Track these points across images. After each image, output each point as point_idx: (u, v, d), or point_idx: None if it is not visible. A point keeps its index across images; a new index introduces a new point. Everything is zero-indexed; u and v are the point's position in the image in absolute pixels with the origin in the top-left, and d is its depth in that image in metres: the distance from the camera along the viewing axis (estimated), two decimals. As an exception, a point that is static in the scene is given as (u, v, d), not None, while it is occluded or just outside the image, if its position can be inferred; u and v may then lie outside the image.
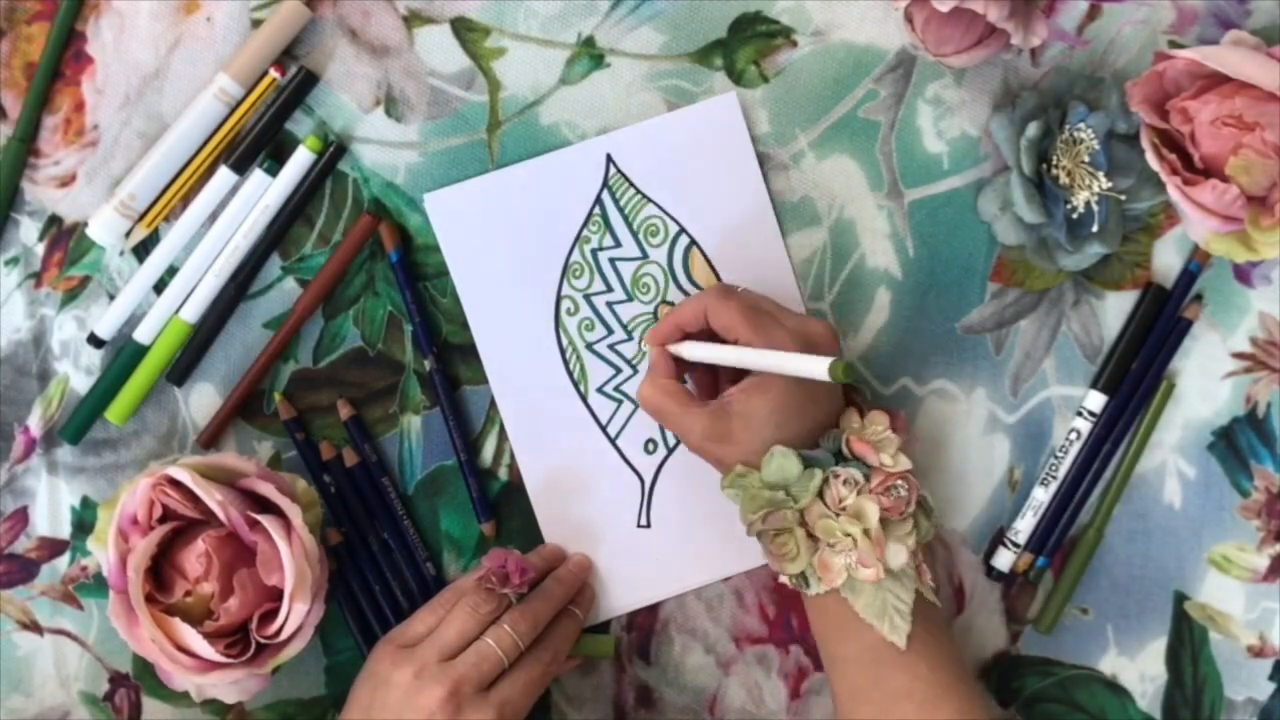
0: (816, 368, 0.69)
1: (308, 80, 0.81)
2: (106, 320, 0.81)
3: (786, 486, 0.74)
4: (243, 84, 0.80)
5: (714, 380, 0.80)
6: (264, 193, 0.81)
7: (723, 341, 0.76)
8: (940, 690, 0.74)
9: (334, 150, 0.81)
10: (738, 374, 0.76)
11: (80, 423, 0.82)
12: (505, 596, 0.77)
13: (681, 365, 0.78)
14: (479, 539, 0.83)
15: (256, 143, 0.81)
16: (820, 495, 0.73)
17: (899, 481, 0.74)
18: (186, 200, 0.81)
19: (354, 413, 0.82)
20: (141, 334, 0.81)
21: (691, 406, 0.76)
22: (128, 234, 0.81)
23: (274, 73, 0.80)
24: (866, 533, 0.73)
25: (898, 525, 0.74)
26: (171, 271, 0.82)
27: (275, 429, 0.83)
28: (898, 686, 0.73)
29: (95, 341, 0.81)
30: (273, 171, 0.81)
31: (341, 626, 0.83)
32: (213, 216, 0.82)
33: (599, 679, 0.84)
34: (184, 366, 0.82)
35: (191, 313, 0.81)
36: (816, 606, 0.76)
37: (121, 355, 0.81)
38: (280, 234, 0.82)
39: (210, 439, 0.82)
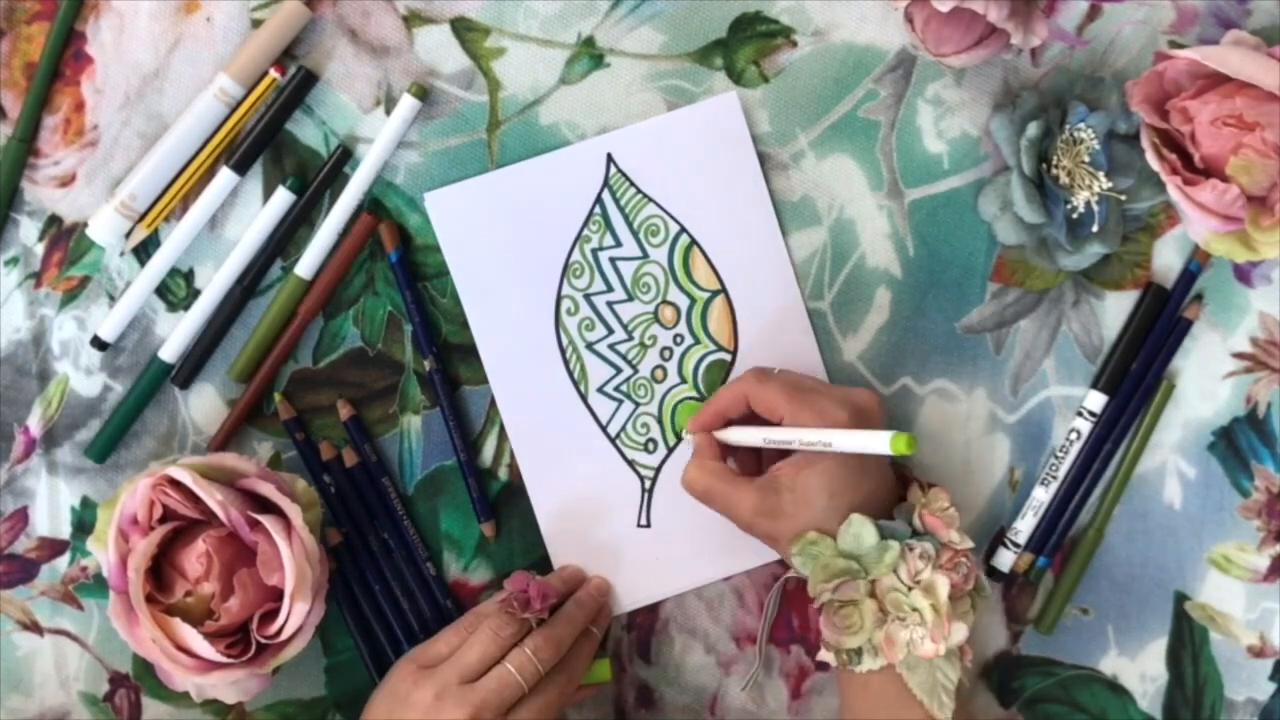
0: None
1: (308, 80, 0.81)
2: (110, 323, 0.81)
3: (859, 556, 0.74)
4: (243, 84, 0.80)
5: (757, 462, 0.80)
6: (289, 209, 0.81)
7: (765, 423, 0.76)
8: None
9: (339, 154, 0.81)
10: (780, 453, 0.76)
11: (106, 441, 0.82)
12: (526, 620, 0.77)
13: (724, 448, 0.78)
14: (479, 539, 0.83)
15: (257, 143, 0.81)
16: (893, 568, 0.74)
17: (963, 559, 0.75)
18: (187, 201, 0.81)
19: (354, 413, 0.82)
20: (166, 353, 0.81)
21: (739, 484, 0.76)
22: (128, 234, 0.81)
23: (274, 73, 0.80)
24: (935, 608, 0.73)
25: (958, 603, 0.75)
26: (173, 274, 0.82)
27: (275, 429, 0.83)
28: None
29: (98, 344, 0.81)
30: (295, 188, 0.81)
31: (341, 626, 0.83)
32: (214, 220, 0.82)
33: (600, 686, 0.83)
34: (190, 368, 0.82)
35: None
36: (857, 682, 0.76)
37: (146, 374, 0.81)
38: (287, 236, 0.81)
39: (221, 444, 0.82)
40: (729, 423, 0.78)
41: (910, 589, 0.73)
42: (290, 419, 0.82)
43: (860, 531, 0.74)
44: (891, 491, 0.78)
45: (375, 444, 0.83)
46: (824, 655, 0.75)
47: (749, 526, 0.76)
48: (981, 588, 0.77)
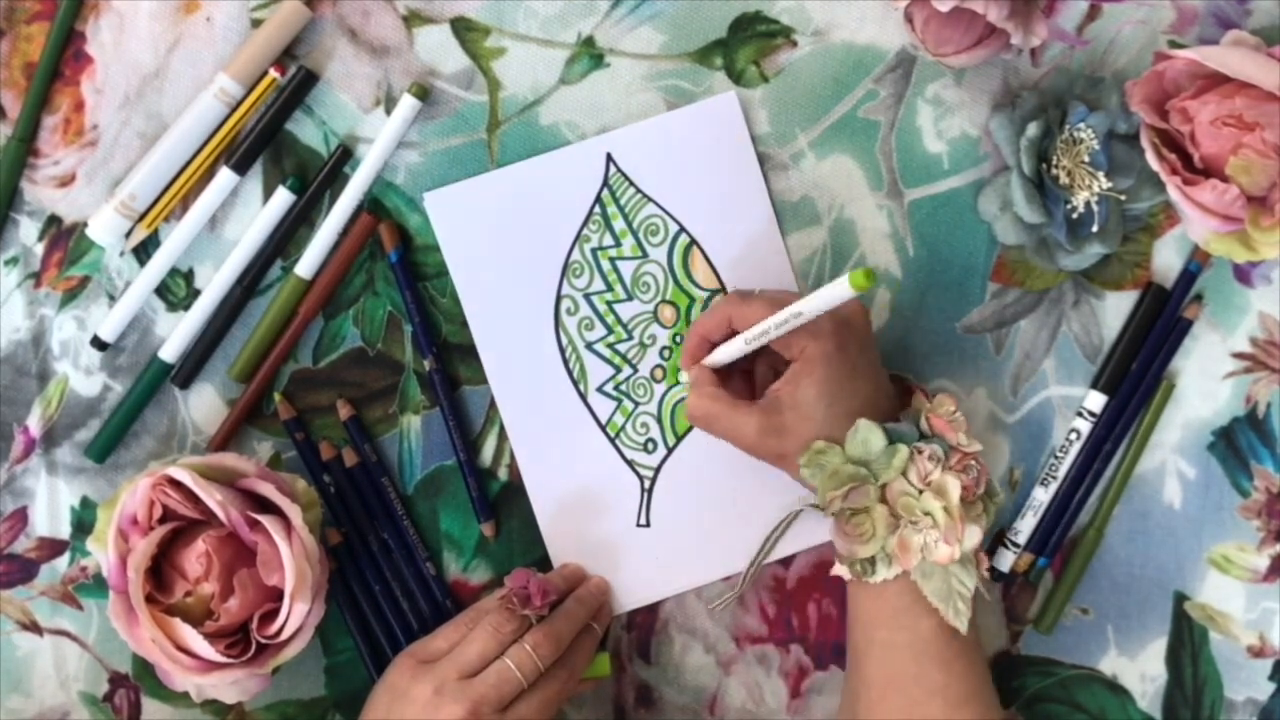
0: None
1: (308, 80, 0.81)
2: (110, 323, 0.81)
3: (869, 462, 0.74)
4: (243, 84, 0.80)
5: (751, 390, 0.80)
6: (290, 208, 0.81)
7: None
8: (969, 691, 0.74)
9: (340, 154, 0.81)
10: (774, 379, 0.77)
11: (106, 441, 0.82)
12: (526, 617, 0.77)
13: (721, 377, 0.78)
14: (479, 539, 0.83)
15: (257, 143, 0.81)
16: (903, 472, 0.74)
17: (973, 462, 0.75)
18: (186, 201, 0.81)
19: (354, 413, 0.82)
20: (166, 353, 0.81)
21: (740, 408, 0.76)
22: (128, 234, 0.81)
23: (274, 73, 0.80)
24: (947, 510, 0.73)
25: (971, 506, 0.74)
26: (173, 274, 0.82)
27: (275, 429, 0.83)
28: (935, 681, 0.74)
29: (98, 344, 0.81)
30: (295, 189, 0.81)
31: (341, 626, 0.83)
32: (214, 220, 0.82)
33: (600, 681, 0.83)
34: (190, 368, 0.82)
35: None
36: (871, 593, 0.75)
37: (146, 374, 0.81)
38: (287, 236, 0.81)
39: (221, 443, 0.82)
40: (714, 347, 0.78)
41: (921, 492, 0.73)
42: (290, 419, 0.82)
43: (868, 436, 0.74)
44: (890, 397, 0.78)
45: (375, 444, 0.83)
46: (838, 569, 0.75)
47: (754, 448, 0.76)
48: (994, 491, 0.76)
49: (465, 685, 0.74)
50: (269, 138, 0.81)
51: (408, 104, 0.80)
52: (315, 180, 0.81)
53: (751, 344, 0.76)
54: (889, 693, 0.75)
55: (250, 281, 0.82)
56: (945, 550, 0.72)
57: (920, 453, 0.74)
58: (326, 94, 0.82)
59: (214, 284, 0.81)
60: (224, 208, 0.82)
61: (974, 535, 0.73)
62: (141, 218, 0.81)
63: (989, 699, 0.75)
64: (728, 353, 0.77)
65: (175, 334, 0.81)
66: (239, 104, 0.81)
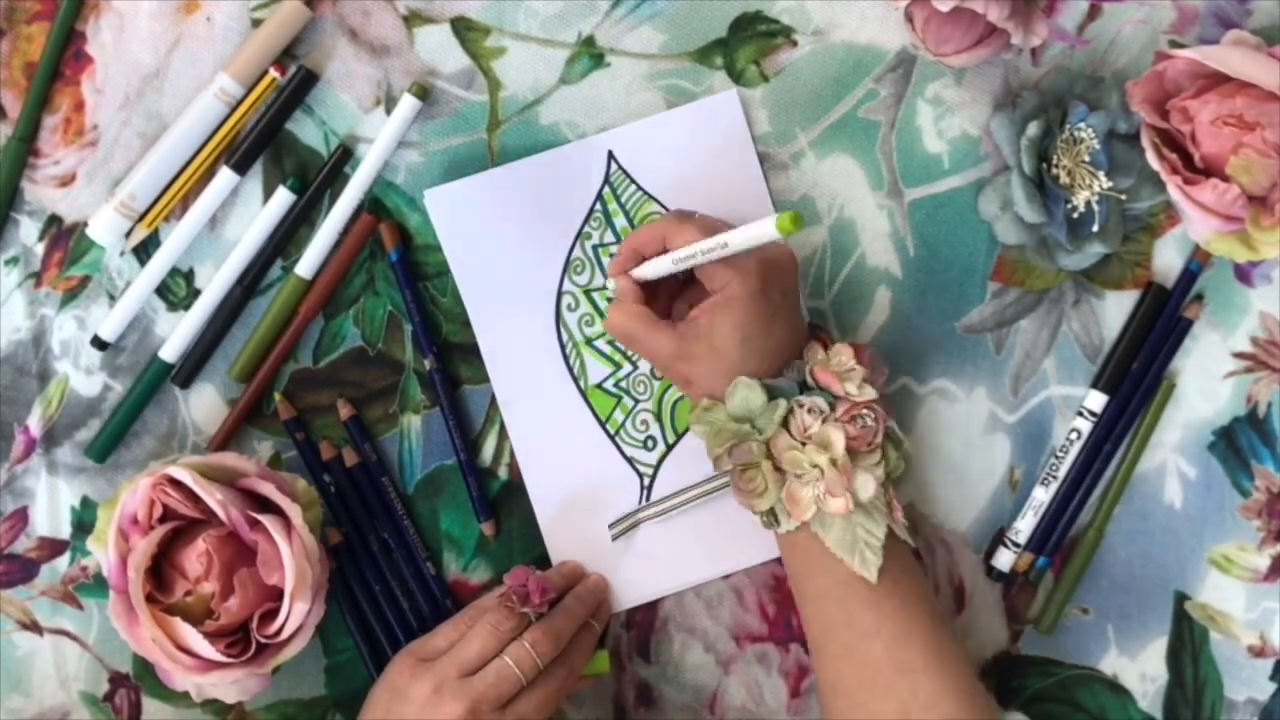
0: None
1: (308, 80, 0.81)
2: (110, 323, 0.81)
3: (752, 419, 0.74)
4: (243, 83, 0.80)
5: (669, 316, 0.80)
6: (290, 208, 0.81)
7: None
8: (909, 628, 0.74)
9: (340, 154, 0.81)
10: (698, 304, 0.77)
11: (106, 441, 0.82)
12: (525, 615, 0.77)
13: (646, 291, 0.78)
14: (479, 538, 0.83)
15: (257, 142, 0.81)
16: (785, 426, 0.74)
17: (865, 411, 0.75)
18: (186, 200, 0.81)
19: (354, 412, 0.82)
20: (166, 353, 0.81)
21: (659, 326, 0.76)
22: (128, 234, 0.81)
23: (274, 72, 0.80)
24: (833, 462, 0.73)
25: (866, 456, 0.74)
26: (174, 274, 0.82)
27: (275, 429, 0.83)
28: (867, 623, 0.74)
29: (99, 344, 0.81)
30: (296, 188, 0.81)
31: (341, 626, 0.83)
32: (214, 220, 0.82)
33: (599, 678, 0.83)
34: (190, 368, 0.82)
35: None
36: (787, 544, 0.76)
37: (146, 374, 0.81)
38: (288, 236, 0.81)
39: (221, 443, 0.82)
40: (643, 260, 0.78)
41: (805, 445, 0.73)
42: (290, 419, 0.82)
43: (747, 394, 0.74)
44: (806, 341, 0.78)
45: (375, 443, 0.83)
46: (752, 519, 0.76)
47: (666, 369, 0.77)
48: (897, 439, 0.76)
49: (465, 683, 0.74)
50: (269, 137, 0.81)
51: (408, 104, 0.80)
52: (315, 180, 0.81)
53: (679, 265, 0.76)
54: (825, 641, 0.75)
55: (250, 281, 0.82)
56: (836, 502, 0.72)
57: (801, 405, 0.74)
58: (327, 94, 0.82)
59: (214, 284, 0.81)
60: (224, 208, 0.82)
61: (867, 485, 0.73)
62: (141, 217, 0.81)
63: (935, 635, 0.74)
64: (655, 269, 0.77)
65: (175, 334, 0.81)
66: (239, 103, 0.81)
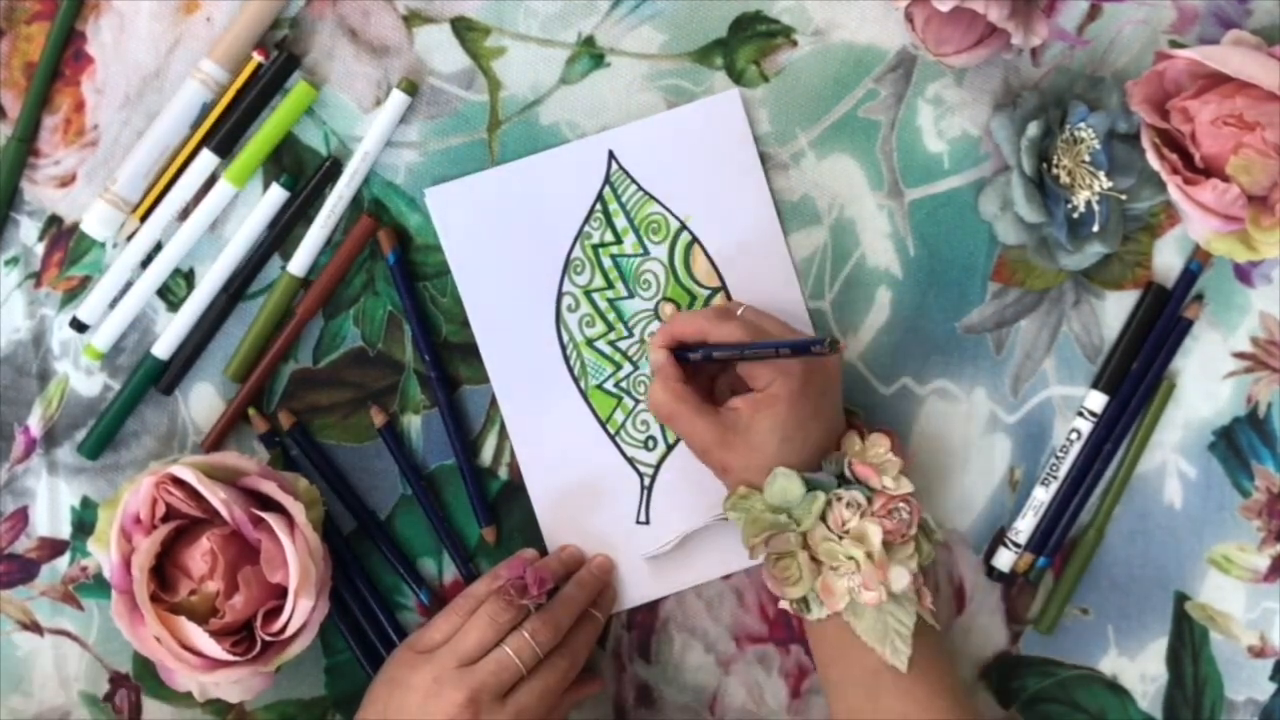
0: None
1: (289, 63, 0.80)
2: (89, 305, 0.81)
3: (789, 509, 0.75)
4: (228, 69, 0.80)
5: (710, 384, 0.81)
6: (283, 206, 0.81)
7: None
8: (936, 716, 0.74)
9: (329, 166, 0.81)
10: (735, 390, 0.78)
11: (100, 437, 0.82)
12: (525, 606, 0.77)
13: (685, 369, 0.79)
14: (478, 539, 0.83)
15: (239, 124, 0.80)
16: (823, 518, 0.74)
17: (901, 504, 0.76)
18: (177, 197, 0.81)
19: (386, 420, 0.82)
20: (160, 350, 0.81)
21: (702, 412, 0.76)
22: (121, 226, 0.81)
23: (258, 56, 0.80)
24: (869, 556, 0.74)
25: (900, 548, 0.75)
26: (174, 274, 0.82)
27: (274, 427, 0.82)
28: (895, 712, 0.74)
29: (78, 326, 0.81)
30: (289, 186, 0.81)
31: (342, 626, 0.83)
32: (214, 223, 0.81)
33: (595, 690, 0.83)
34: (175, 374, 0.82)
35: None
36: (817, 631, 0.77)
37: (139, 371, 0.81)
38: (284, 235, 0.81)
39: (214, 443, 0.82)
40: (684, 347, 0.79)
41: (841, 538, 0.74)
42: (291, 426, 0.82)
43: (786, 485, 0.75)
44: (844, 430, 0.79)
45: (375, 444, 0.83)
46: (783, 605, 0.76)
47: (703, 455, 0.78)
48: (930, 530, 0.77)
49: (464, 672, 0.75)
50: (251, 119, 0.80)
51: (397, 99, 0.80)
52: (307, 186, 0.81)
53: (720, 358, 0.77)
54: None
55: (243, 280, 0.81)
56: (870, 595, 0.73)
57: (839, 499, 0.74)
58: (327, 94, 0.82)
59: (205, 282, 0.81)
60: (224, 208, 0.82)
61: (901, 577, 0.74)
62: (134, 209, 0.81)
63: (962, 718, 0.75)
64: (695, 358, 0.78)
65: (168, 331, 0.81)
66: (225, 90, 0.80)
